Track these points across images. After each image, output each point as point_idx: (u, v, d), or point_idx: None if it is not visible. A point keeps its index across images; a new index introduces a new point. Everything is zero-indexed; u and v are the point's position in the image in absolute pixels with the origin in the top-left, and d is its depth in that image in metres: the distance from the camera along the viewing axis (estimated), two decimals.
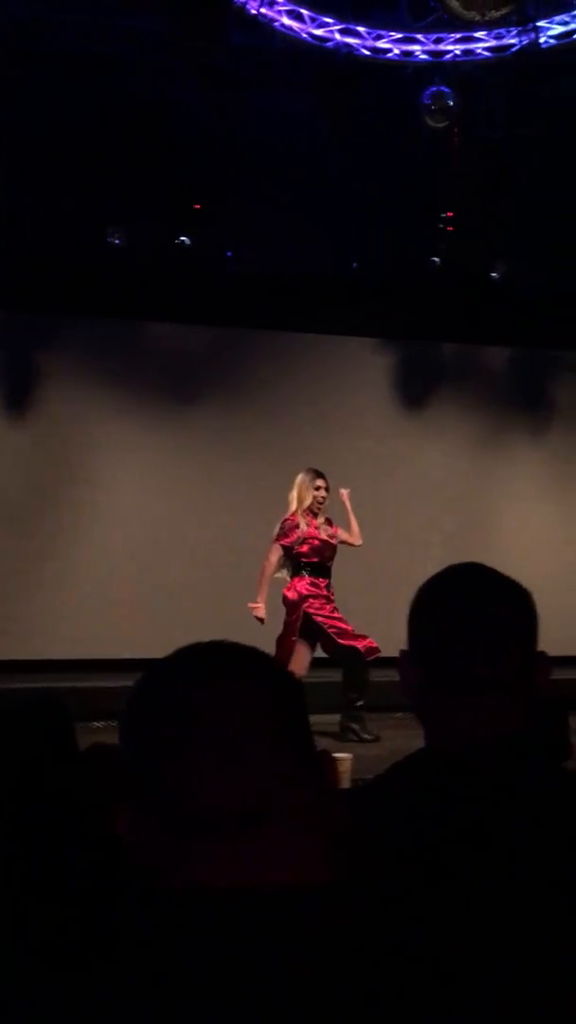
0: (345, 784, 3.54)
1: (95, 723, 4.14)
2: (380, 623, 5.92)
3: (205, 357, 8.09)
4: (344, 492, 6.18)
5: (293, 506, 5.92)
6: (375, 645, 5.77)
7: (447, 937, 0.81)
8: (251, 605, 5.88)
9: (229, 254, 7.84)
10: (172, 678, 0.79)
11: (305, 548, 5.88)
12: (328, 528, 5.99)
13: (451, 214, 7.49)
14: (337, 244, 7.76)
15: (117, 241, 7.30)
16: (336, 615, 5.89)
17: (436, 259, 7.78)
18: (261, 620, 5.84)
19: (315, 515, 5.92)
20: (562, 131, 6.53)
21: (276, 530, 5.91)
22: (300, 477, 6.02)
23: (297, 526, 5.85)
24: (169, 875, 0.74)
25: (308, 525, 5.86)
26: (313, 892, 0.73)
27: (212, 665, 0.80)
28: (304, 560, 5.90)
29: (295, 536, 5.83)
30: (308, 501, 5.90)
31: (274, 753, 0.75)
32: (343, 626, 5.87)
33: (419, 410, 8.46)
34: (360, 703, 5.80)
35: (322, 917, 0.72)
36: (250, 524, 7.90)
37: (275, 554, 5.87)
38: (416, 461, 8.31)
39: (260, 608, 5.86)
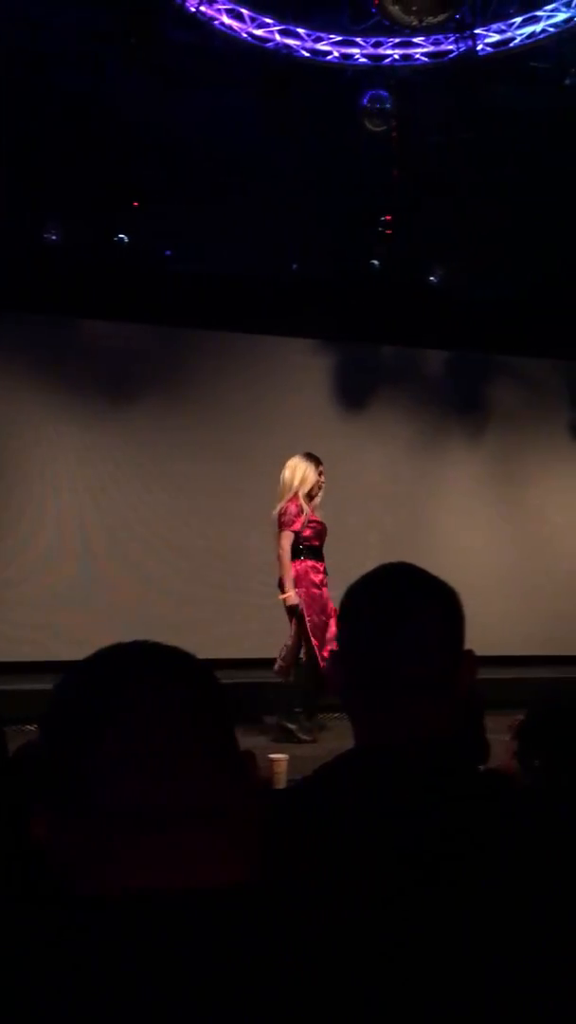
0: (281, 785, 3.54)
1: (27, 727, 4.07)
2: None
3: (143, 356, 8.03)
4: None
5: (295, 487, 5.93)
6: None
7: (371, 937, 0.81)
8: (282, 596, 5.87)
9: (168, 253, 7.79)
10: (90, 679, 0.78)
11: (308, 532, 5.90)
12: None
13: (390, 217, 7.54)
14: (277, 245, 7.76)
15: (54, 237, 7.21)
16: (321, 615, 5.84)
17: (375, 262, 7.83)
18: (296, 606, 5.83)
19: (311, 499, 5.96)
20: (499, 137, 6.62)
21: (279, 519, 5.89)
22: (301, 462, 6.02)
23: (301, 510, 5.88)
24: (89, 878, 0.72)
25: (307, 508, 5.90)
26: (237, 893, 0.72)
27: (131, 665, 0.79)
28: (306, 544, 5.90)
29: (301, 520, 5.85)
30: (309, 485, 5.94)
31: (194, 753, 0.74)
32: (321, 628, 5.82)
33: (358, 411, 8.51)
34: (299, 710, 5.80)
35: (246, 918, 0.71)
36: (187, 524, 7.88)
37: (287, 540, 5.86)
38: (355, 462, 8.35)
39: (291, 596, 5.84)
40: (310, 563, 5.90)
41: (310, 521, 5.91)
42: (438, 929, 0.87)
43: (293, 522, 5.86)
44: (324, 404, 8.44)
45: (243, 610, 7.70)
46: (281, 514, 5.90)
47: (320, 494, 6.05)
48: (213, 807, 0.74)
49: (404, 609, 1.09)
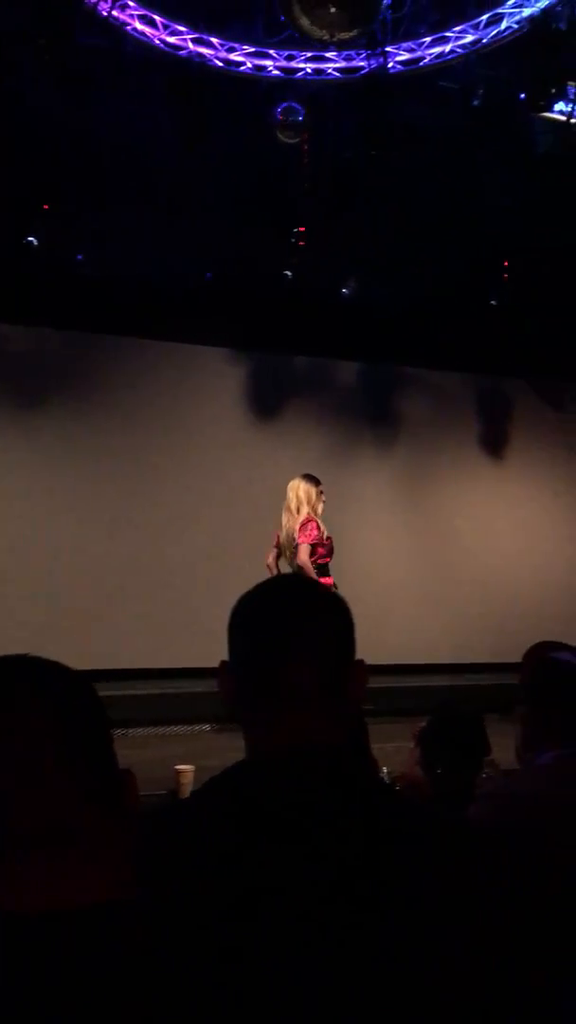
0: (187, 795, 3.50)
1: None
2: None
3: (54, 361, 7.90)
4: None
5: (306, 506, 6.08)
6: None
7: (245, 951, 0.80)
8: None
9: (80, 257, 7.69)
10: None
11: (322, 550, 6.06)
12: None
13: (303, 228, 7.59)
14: (191, 253, 7.74)
15: None
16: None
17: (288, 272, 7.87)
18: None
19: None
20: (408, 153, 6.73)
21: (299, 534, 5.98)
22: (303, 483, 6.17)
23: (319, 528, 6.04)
24: None
25: (323, 526, 6.09)
26: (111, 912, 0.71)
27: (2, 682, 0.76)
28: (321, 562, 6.06)
29: (320, 537, 6.01)
30: (320, 507, 6.13)
31: (64, 773, 0.73)
32: None
33: (270, 421, 8.54)
34: None
35: (120, 937, 0.70)
36: (96, 532, 7.76)
37: (306, 552, 5.96)
38: (266, 471, 8.36)
39: None
40: (322, 580, 5.96)
41: (326, 541, 6.10)
42: (316, 943, 0.86)
43: (312, 535, 6.00)
44: (237, 414, 8.45)
45: (151, 621, 7.63)
46: (301, 530, 6.01)
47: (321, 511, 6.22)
48: (85, 827, 0.72)
49: (292, 622, 1.08)
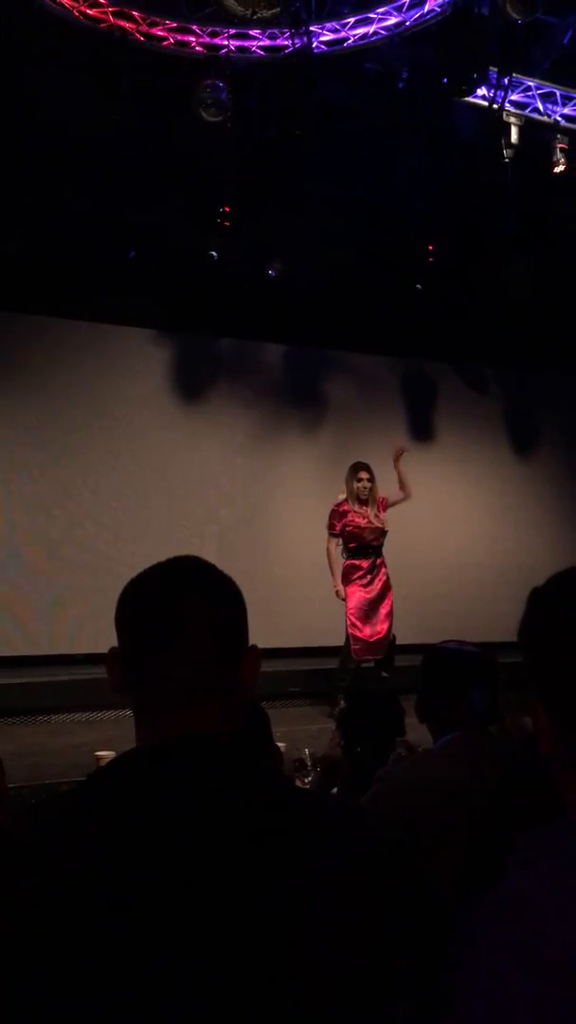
0: None
1: None
2: None
3: None
4: (398, 450, 6.84)
5: (340, 496, 6.65)
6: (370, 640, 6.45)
7: (113, 951, 0.77)
8: (340, 597, 6.51)
9: None
10: None
11: (345, 535, 6.56)
12: (376, 512, 6.61)
13: (227, 209, 7.52)
14: (115, 231, 7.60)
15: None
16: (355, 607, 6.44)
17: (213, 253, 7.80)
18: (344, 599, 6.52)
19: (363, 503, 6.56)
20: (333, 134, 6.72)
21: (327, 530, 6.61)
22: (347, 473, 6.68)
23: (344, 514, 6.56)
24: None
25: (356, 512, 6.55)
26: None
27: None
28: (347, 546, 6.56)
29: (340, 525, 6.56)
30: (348, 491, 6.59)
31: None
32: (354, 616, 6.43)
33: (196, 403, 8.47)
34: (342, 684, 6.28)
35: None
36: (15, 515, 7.60)
37: (330, 543, 6.61)
38: (193, 453, 8.32)
39: (340, 590, 6.52)
40: (348, 562, 6.59)
41: (347, 524, 6.55)
42: (188, 941, 0.84)
43: (332, 527, 6.59)
44: (161, 395, 8.36)
45: (73, 606, 7.52)
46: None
47: (370, 495, 6.59)
48: None
49: (169, 607, 1.05)
